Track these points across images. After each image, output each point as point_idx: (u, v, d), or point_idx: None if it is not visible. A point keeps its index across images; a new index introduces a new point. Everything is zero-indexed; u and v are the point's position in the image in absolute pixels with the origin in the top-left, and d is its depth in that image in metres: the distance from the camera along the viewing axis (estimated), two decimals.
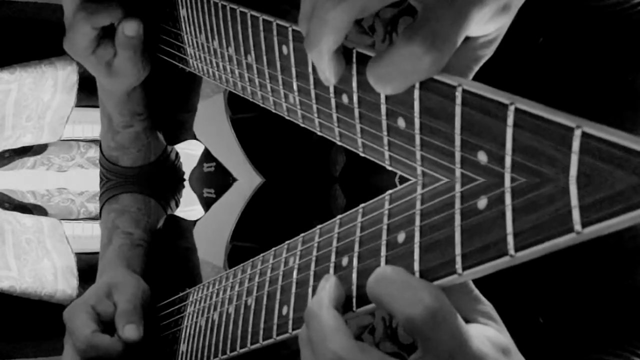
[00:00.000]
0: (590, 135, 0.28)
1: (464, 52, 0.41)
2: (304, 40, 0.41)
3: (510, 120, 0.32)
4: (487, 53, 0.43)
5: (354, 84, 0.42)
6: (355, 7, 0.38)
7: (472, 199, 0.35)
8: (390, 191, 0.42)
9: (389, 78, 0.38)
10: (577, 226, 0.29)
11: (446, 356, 0.37)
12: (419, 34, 0.37)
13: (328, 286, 0.43)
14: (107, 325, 0.72)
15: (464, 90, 0.35)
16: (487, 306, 0.43)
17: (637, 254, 0.62)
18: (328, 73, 0.42)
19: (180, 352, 0.69)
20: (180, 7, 0.71)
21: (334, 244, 0.46)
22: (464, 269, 0.35)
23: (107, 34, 0.75)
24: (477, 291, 0.43)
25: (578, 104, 0.38)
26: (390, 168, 0.42)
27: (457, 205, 0.35)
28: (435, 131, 0.37)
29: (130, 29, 0.73)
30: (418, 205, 0.39)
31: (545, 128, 0.30)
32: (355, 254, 0.43)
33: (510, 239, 0.32)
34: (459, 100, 0.35)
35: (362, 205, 0.44)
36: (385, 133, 0.41)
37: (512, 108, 0.32)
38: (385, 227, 0.41)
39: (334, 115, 0.45)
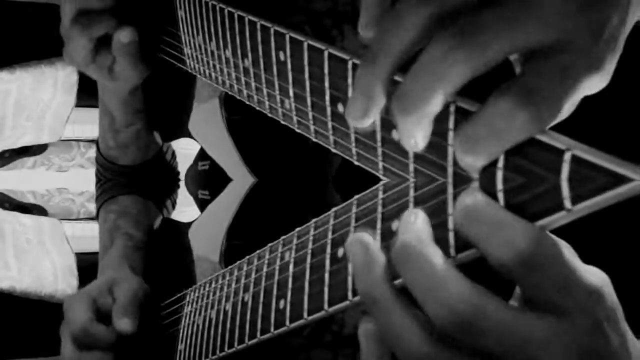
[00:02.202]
0: (581, 160, 0.29)
1: None
2: (396, 103, 0.34)
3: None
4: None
5: (350, 94, 0.42)
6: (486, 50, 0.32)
7: (463, 184, 0.35)
8: (383, 181, 0.42)
9: (477, 137, 0.32)
10: (567, 202, 0.29)
11: (554, 295, 0.33)
12: (512, 89, 0.32)
13: (421, 221, 0.36)
14: (105, 318, 0.73)
15: (456, 108, 0.35)
16: None
17: None
18: (421, 139, 0.35)
19: (179, 351, 0.69)
20: (179, 8, 0.71)
21: (329, 236, 0.46)
22: (457, 251, 0.35)
23: (104, 42, 0.76)
24: None
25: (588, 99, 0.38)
26: (383, 178, 0.42)
27: (450, 190, 0.36)
28: (429, 145, 0.37)
29: (125, 36, 0.75)
30: (411, 193, 0.39)
31: (536, 151, 0.31)
32: None
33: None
34: (452, 118, 0.36)
35: (357, 196, 0.44)
36: (379, 144, 0.41)
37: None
38: (379, 216, 0.41)
39: (329, 124, 0.45)
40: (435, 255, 0.34)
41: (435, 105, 0.33)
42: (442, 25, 0.33)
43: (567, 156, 0.30)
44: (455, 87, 0.33)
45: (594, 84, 0.34)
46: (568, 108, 0.34)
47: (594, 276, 0.34)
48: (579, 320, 0.33)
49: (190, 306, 0.69)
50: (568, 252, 0.33)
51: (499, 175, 0.33)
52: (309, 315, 0.46)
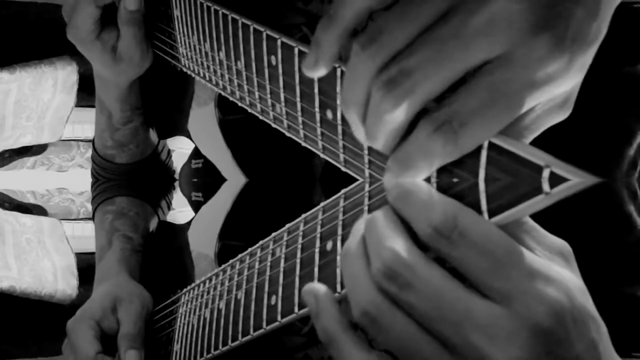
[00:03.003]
0: (558, 176, 0.30)
1: None
2: (392, 165, 0.36)
3: (484, 154, 0.33)
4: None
5: (339, 101, 0.43)
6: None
7: (447, 176, 0.36)
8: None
9: (406, 161, 0.35)
10: (546, 186, 0.30)
11: (488, 271, 0.33)
12: (432, 115, 0.33)
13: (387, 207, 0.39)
14: (109, 338, 0.73)
15: None
16: None
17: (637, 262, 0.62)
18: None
19: (174, 352, 0.70)
20: (174, 7, 0.71)
21: (318, 230, 0.47)
22: None
23: (109, 21, 0.77)
24: None
25: (581, 101, 0.38)
26: (368, 185, 0.43)
27: (433, 179, 0.36)
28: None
29: (131, 3, 0.75)
30: None
31: (517, 167, 0.31)
32: (339, 237, 0.44)
33: (483, 203, 0.33)
34: None
35: (344, 190, 0.45)
36: (366, 152, 0.42)
37: (486, 144, 0.33)
38: (366, 208, 0.42)
39: (318, 129, 0.46)
40: (393, 222, 0.36)
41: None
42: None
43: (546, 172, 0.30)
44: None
45: (554, 92, 0.34)
46: (529, 122, 0.35)
47: (547, 264, 0.33)
48: (527, 307, 0.32)
49: (185, 306, 0.69)
50: (498, 231, 0.33)
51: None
52: (299, 309, 0.47)
